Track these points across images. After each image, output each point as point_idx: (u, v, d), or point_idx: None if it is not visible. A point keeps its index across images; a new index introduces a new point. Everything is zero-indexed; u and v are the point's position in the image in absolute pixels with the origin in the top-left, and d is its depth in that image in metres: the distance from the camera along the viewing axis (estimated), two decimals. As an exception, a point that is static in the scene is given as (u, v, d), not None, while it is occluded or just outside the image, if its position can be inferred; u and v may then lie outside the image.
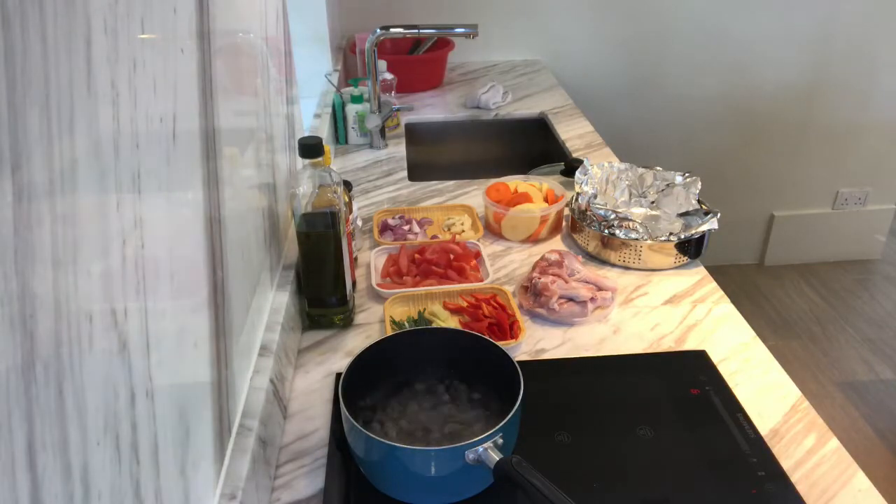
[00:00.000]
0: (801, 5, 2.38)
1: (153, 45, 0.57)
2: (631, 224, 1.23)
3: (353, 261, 1.17)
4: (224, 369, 0.73)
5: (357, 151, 1.76)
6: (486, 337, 0.89)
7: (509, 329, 1.06)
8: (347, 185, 1.29)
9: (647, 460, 0.85)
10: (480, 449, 0.73)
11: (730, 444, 0.87)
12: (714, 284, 1.20)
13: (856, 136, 2.65)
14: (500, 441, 0.74)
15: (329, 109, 1.74)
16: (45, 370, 0.38)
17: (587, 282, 1.13)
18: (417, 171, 1.68)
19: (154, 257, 0.55)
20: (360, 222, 1.33)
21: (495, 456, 0.72)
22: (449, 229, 1.35)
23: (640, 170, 1.40)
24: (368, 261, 1.23)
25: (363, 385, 0.86)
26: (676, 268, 1.24)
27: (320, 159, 0.98)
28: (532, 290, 1.12)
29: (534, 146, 2.00)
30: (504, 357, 0.84)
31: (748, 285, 2.76)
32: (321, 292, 1.05)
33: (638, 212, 1.27)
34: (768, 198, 2.76)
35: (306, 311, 1.07)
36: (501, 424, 0.74)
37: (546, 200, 1.37)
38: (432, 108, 2.03)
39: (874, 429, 2.11)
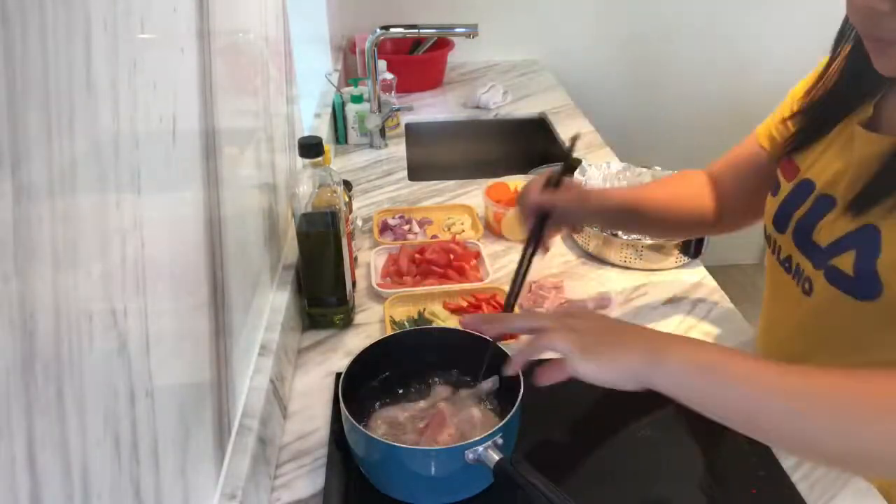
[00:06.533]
0: (803, 5, 2.38)
1: (153, 44, 0.57)
2: (631, 224, 1.23)
3: (353, 261, 1.17)
4: (224, 369, 0.73)
5: (357, 151, 1.76)
6: (487, 337, 0.88)
7: (509, 329, 1.05)
8: (347, 185, 1.29)
9: (647, 460, 0.85)
10: (480, 449, 0.73)
11: (730, 444, 0.87)
12: (714, 284, 1.20)
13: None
14: (500, 441, 0.74)
15: (329, 109, 1.74)
16: (45, 370, 0.38)
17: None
18: (417, 171, 1.68)
19: (154, 257, 0.55)
20: (360, 222, 1.33)
21: (495, 456, 0.72)
22: (449, 229, 1.35)
23: (639, 169, 1.40)
24: (368, 261, 1.23)
25: (363, 385, 0.86)
26: (677, 268, 1.24)
27: (320, 159, 0.98)
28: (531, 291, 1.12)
29: (534, 146, 2.00)
30: (504, 357, 0.84)
31: (748, 285, 2.76)
32: (321, 292, 1.05)
33: (638, 212, 1.27)
34: (768, 197, 2.75)
35: (306, 311, 1.07)
36: (501, 424, 0.74)
37: (546, 200, 1.37)
38: (432, 108, 2.02)
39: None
